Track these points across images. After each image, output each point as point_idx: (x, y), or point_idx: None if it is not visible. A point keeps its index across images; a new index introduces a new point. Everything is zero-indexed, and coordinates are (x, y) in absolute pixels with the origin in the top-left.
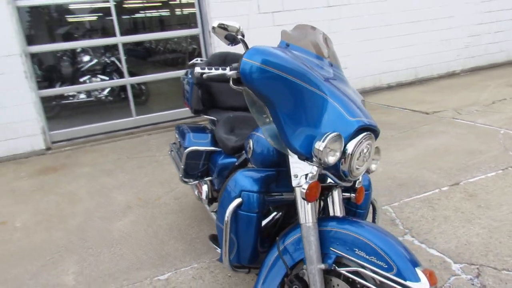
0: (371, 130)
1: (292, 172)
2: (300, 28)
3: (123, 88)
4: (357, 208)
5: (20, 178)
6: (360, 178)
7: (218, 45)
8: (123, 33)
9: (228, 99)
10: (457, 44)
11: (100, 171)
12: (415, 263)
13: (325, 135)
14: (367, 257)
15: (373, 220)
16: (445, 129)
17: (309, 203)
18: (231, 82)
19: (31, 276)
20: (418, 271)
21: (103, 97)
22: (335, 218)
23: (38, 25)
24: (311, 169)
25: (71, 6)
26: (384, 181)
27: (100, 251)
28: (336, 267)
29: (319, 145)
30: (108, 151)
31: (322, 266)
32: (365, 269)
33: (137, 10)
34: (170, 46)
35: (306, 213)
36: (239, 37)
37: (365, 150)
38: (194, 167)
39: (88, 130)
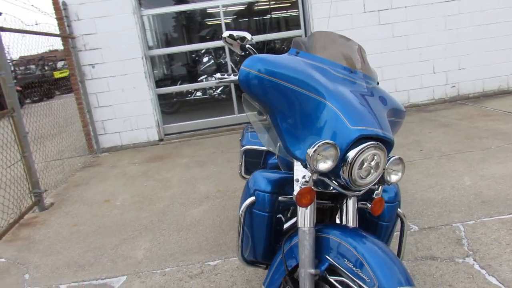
0: (382, 141)
1: (295, 177)
2: (317, 36)
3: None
4: (379, 220)
5: (132, 164)
6: (379, 189)
7: None
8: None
9: None
10: None
11: (195, 162)
12: (400, 282)
13: (316, 142)
14: (354, 268)
15: (401, 235)
16: None
17: (308, 208)
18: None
19: (113, 247)
20: None
21: (216, 95)
22: (337, 227)
23: (161, 30)
24: (306, 175)
25: (188, 11)
26: (466, 196)
27: (171, 233)
28: (327, 275)
29: (309, 152)
30: (208, 145)
31: (313, 271)
32: (350, 281)
33: (243, 14)
34: (275, 46)
35: (304, 217)
36: (247, 46)
37: (370, 160)
38: (253, 165)
39: (196, 125)
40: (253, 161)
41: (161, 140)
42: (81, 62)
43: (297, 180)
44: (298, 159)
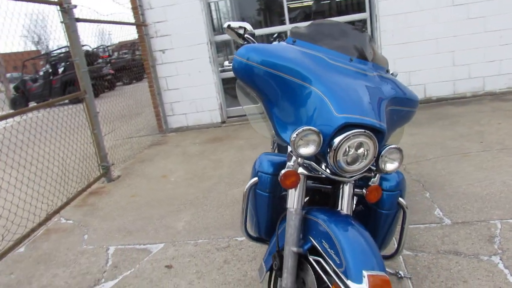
0: (373, 130)
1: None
2: (315, 25)
3: None
4: (378, 208)
5: (193, 144)
6: (376, 178)
7: (384, 29)
8: (292, 21)
9: None
10: None
11: (249, 145)
12: (367, 266)
13: (299, 128)
14: (329, 250)
15: (402, 224)
16: None
17: (296, 190)
18: None
19: (158, 218)
20: (365, 274)
21: None
22: (326, 211)
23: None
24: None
25: None
26: None
27: (211, 209)
28: (308, 254)
29: (292, 137)
30: (266, 128)
31: (295, 249)
32: (324, 261)
33: None
34: None
35: (292, 199)
36: (246, 35)
37: (356, 147)
38: (285, 149)
39: (259, 108)
40: (284, 146)
41: (223, 122)
42: (152, 48)
43: (286, 163)
44: (286, 143)
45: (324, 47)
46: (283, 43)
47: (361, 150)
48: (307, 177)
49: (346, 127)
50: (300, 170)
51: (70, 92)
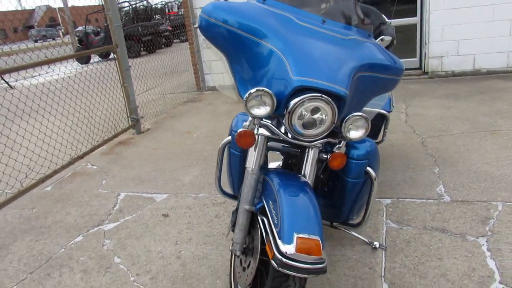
0: (333, 95)
1: None
2: None
3: None
4: (345, 175)
5: (224, 103)
6: (341, 145)
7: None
8: None
9: None
10: None
11: None
12: (301, 229)
13: (252, 89)
14: (272, 210)
15: (370, 192)
16: None
17: (255, 151)
18: None
19: (171, 170)
20: (295, 236)
21: None
22: (281, 174)
23: None
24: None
25: None
26: None
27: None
28: (258, 213)
29: (244, 97)
30: None
31: (247, 207)
32: (267, 221)
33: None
34: None
35: (251, 159)
36: None
37: (312, 111)
38: None
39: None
40: None
41: None
42: (194, 5)
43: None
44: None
45: (294, 7)
46: (252, 1)
47: (318, 115)
48: (277, 140)
49: (305, 90)
50: (261, 131)
51: (128, 46)
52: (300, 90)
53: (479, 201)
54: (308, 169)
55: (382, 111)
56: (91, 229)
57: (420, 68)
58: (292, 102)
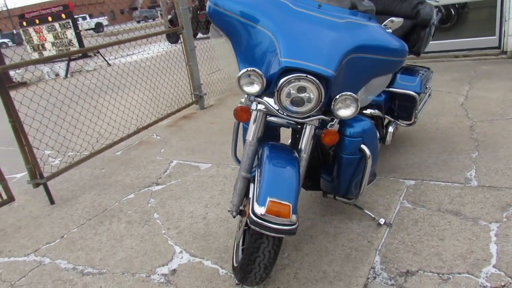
0: (316, 75)
1: None
2: None
3: None
4: (339, 151)
5: None
6: (334, 122)
7: None
8: None
9: None
10: None
11: None
12: (274, 195)
13: (243, 69)
14: (258, 177)
15: (363, 169)
16: None
17: (254, 125)
18: None
19: (220, 143)
20: (268, 199)
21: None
22: (275, 147)
23: None
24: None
25: None
26: None
27: None
28: (251, 180)
29: (237, 76)
30: None
31: (243, 174)
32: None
33: None
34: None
35: (250, 132)
36: None
37: (298, 90)
38: None
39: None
40: None
41: None
42: None
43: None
44: None
45: None
46: None
47: (304, 94)
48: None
49: (294, 70)
50: (259, 107)
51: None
52: (289, 71)
53: (507, 188)
54: (304, 143)
55: (410, 92)
56: (142, 189)
57: (498, 47)
58: (280, 81)
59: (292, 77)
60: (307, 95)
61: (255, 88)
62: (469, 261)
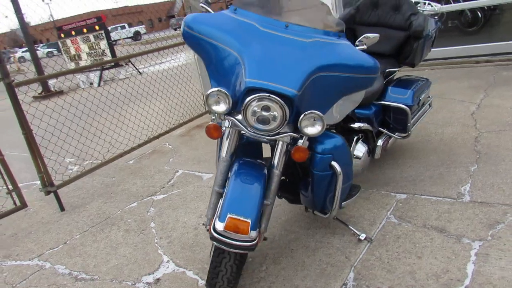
0: (280, 94)
1: None
2: None
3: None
4: (311, 168)
5: None
6: (303, 139)
7: None
8: None
9: None
10: None
11: None
12: (234, 212)
13: (211, 89)
14: (224, 193)
15: (335, 186)
16: None
17: (227, 141)
18: None
19: None
20: (228, 216)
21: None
22: (245, 162)
23: None
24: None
25: None
26: None
27: None
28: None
29: (205, 96)
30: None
31: (216, 189)
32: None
33: None
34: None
35: (223, 148)
36: (200, 4)
37: (263, 109)
38: None
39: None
40: None
41: None
42: None
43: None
44: None
45: (259, 15)
46: (224, 12)
47: (269, 113)
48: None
49: (259, 90)
50: (231, 124)
51: None
52: (254, 90)
53: (499, 204)
54: (276, 159)
55: (400, 105)
56: (145, 198)
57: None
58: (245, 101)
59: (255, 97)
60: (272, 114)
61: (222, 108)
62: (442, 281)
